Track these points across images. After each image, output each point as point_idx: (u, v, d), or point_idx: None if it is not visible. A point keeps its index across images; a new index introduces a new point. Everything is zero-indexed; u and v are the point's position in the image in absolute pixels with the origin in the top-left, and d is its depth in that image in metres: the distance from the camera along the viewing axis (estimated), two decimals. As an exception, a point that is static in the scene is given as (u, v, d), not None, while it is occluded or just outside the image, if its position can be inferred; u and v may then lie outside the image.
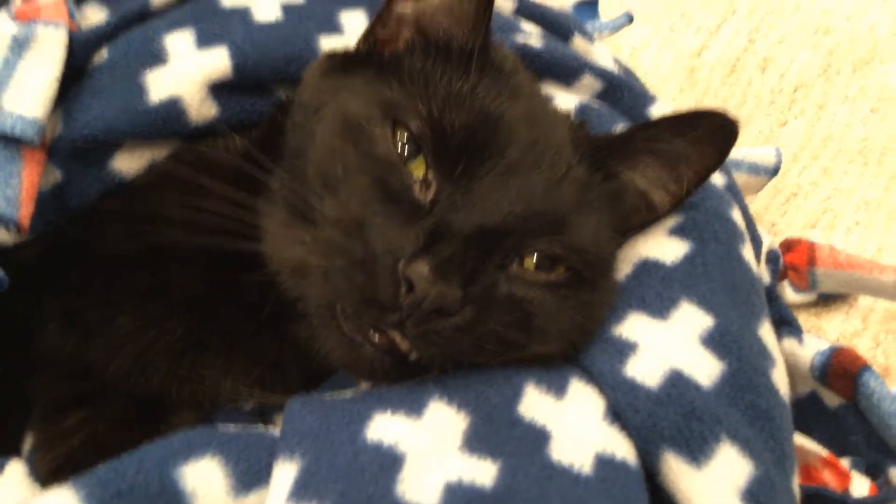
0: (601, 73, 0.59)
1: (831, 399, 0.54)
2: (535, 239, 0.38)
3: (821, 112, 0.79)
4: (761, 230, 0.62)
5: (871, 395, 0.51)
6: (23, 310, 0.51)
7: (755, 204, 0.71)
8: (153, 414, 0.52)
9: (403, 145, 0.39)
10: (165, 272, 0.50)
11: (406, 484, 0.32)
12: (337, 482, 0.31)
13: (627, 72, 0.64)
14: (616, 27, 0.73)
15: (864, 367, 0.52)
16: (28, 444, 0.51)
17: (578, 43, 0.63)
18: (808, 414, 0.54)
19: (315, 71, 0.46)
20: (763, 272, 0.58)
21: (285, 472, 0.32)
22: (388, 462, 0.32)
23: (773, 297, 0.59)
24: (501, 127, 0.40)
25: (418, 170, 0.38)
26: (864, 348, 0.62)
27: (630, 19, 0.73)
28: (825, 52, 0.84)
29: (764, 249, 0.59)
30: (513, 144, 0.39)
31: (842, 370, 0.53)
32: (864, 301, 0.65)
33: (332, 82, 0.44)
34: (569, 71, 0.58)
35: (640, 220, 0.46)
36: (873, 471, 0.50)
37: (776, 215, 0.72)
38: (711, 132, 0.44)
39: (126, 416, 0.51)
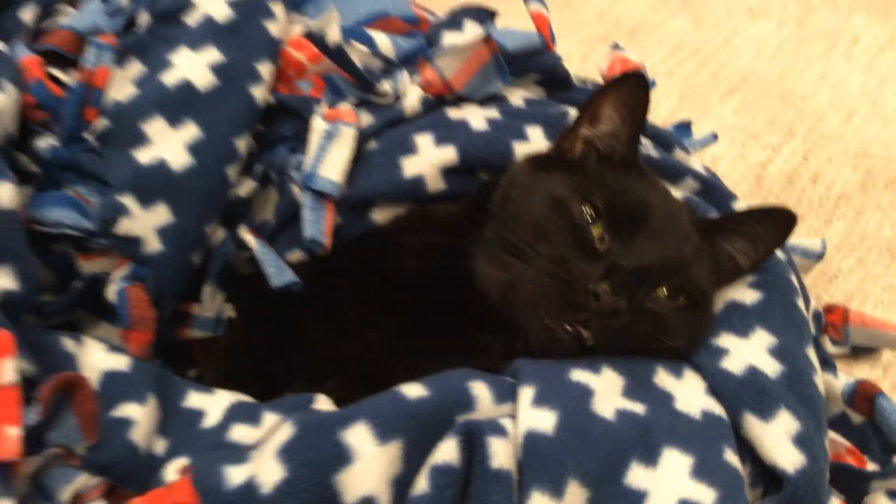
0: (697, 176, 0.76)
1: (856, 417, 0.70)
2: (668, 277, 0.58)
3: (858, 217, 0.96)
4: (814, 303, 0.80)
5: (883, 413, 0.67)
6: (297, 306, 0.66)
7: (805, 280, 0.88)
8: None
9: (590, 215, 0.59)
10: (399, 286, 0.64)
11: (597, 405, 0.50)
12: (557, 400, 0.50)
13: (714, 176, 0.83)
14: (704, 144, 0.93)
15: (880, 393, 0.68)
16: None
17: (679, 153, 0.82)
18: (838, 427, 0.69)
19: (524, 165, 0.65)
20: (809, 324, 0.76)
21: (526, 393, 0.50)
22: (586, 392, 0.50)
23: (817, 343, 0.76)
24: (647, 207, 0.59)
25: (598, 231, 0.58)
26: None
27: (715, 138, 0.93)
28: (864, 171, 1.02)
29: (811, 309, 0.76)
30: (655, 218, 0.59)
31: (863, 395, 0.69)
32: (887, 355, 0.82)
33: (538, 175, 0.62)
34: (675, 174, 0.74)
35: (729, 275, 0.63)
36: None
37: (821, 291, 0.88)
38: (779, 221, 0.63)
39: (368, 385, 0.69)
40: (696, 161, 0.80)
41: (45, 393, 0.49)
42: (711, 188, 0.75)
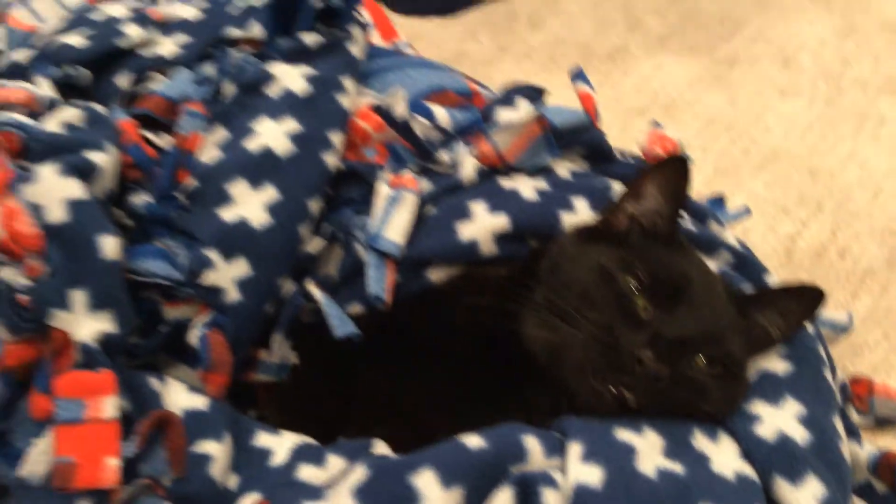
0: (731, 249, 0.79)
1: (880, 486, 0.73)
2: (706, 346, 0.62)
3: (884, 292, 1.00)
4: (841, 375, 0.83)
5: (905, 485, 0.71)
6: (355, 356, 0.70)
7: (832, 352, 0.92)
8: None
9: (635, 286, 0.64)
10: (452, 344, 0.69)
11: (640, 463, 0.54)
12: (603, 456, 0.53)
13: (747, 249, 0.88)
14: (737, 217, 0.97)
15: (904, 464, 0.72)
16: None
17: (713, 226, 0.87)
18: (863, 495, 0.71)
19: (572, 236, 0.69)
20: (836, 394, 0.80)
21: (575, 449, 0.54)
22: (629, 451, 0.54)
23: (843, 413, 0.79)
24: (688, 280, 0.64)
25: (642, 301, 0.63)
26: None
27: (748, 212, 0.98)
28: (890, 247, 1.05)
29: (837, 380, 0.80)
30: (694, 290, 0.64)
31: (887, 465, 0.72)
32: (910, 428, 0.85)
33: (586, 245, 0.67)
34: (711, 246, 0.77)
35: (762, 346, 0.67)
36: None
37: (847, 363, 0.91)
38: (809, 298, 0.67)
39: (417, 433, 0.67)
40: (730, 234, 0.85)
41: (143, 427, 0.54)
42: (745, 261, 0.79)
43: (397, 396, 0.70)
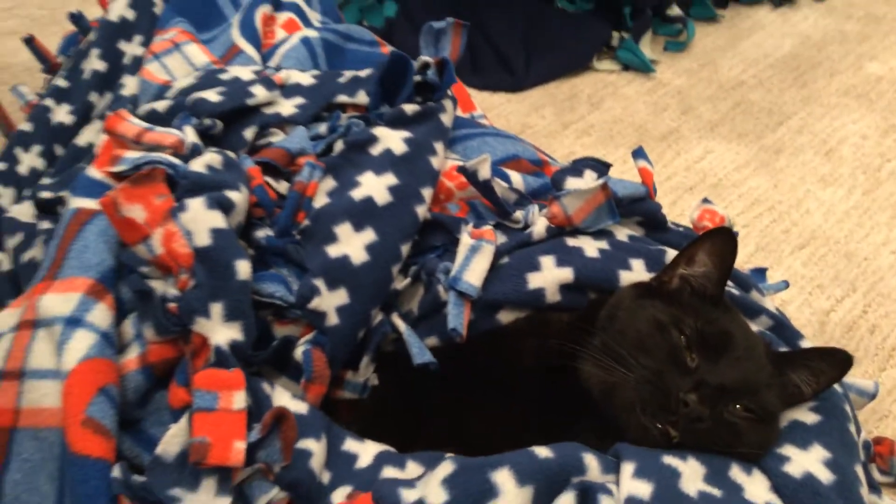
0: (771, 315, 0.86)
1: (895, 537, 0.80)
2: (745, 395, 0.69)
3: (911, 367, 1.07)
4: (864, 434, 0.90)
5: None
6: (429, 384, 0.77)
7: (858, 416, 0.98)
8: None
9: (685, 339, 0.72)
10: (515, 378, 0.78)
11: (683, 485, 0.62)
12: (653, 475, 0.61)
13: (784, 316, 0.95)
14: (777, 289, 1.05)
15: (916, 517, 0.78)
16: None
17: (755, 294, 0.95)
18: (882, 545, 0.80)
19: (630, 291, 0.77)
20: (859, 447, 0.86)
21: (627, 467, 0.62)
22: (675, 473, 0.61)
23: (865, 467, 0.86)
24: (731, 336, 0.73)
25: (688, 352, 0.72)
26: (925, 522, 0.87)
27: (787, 285, 1.06)
28: (917, 328, 1.12)
29: (861, 438, 0.87)
30: (736, 345, 0.72)
31: (904, 518, 0.79)
32: (928, 491, 0.90)
33: (643, 300, 0.74)
34: (753, 311, 0.85)
35: (794, 400, 0.73)
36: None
37: (871, 427, 0.98)
38: (839, 361, 0.74)
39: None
40: (769, 302, 0.93)
41: (267, 418, 0.64)
42: (782, 326, 0.87)
43: (464, 422, 0.77)
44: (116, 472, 0.61)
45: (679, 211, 1.27)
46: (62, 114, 1.15)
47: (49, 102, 1.16)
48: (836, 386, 0.79)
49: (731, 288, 0.89)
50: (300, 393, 0.76)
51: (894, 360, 1.05)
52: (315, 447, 0.68)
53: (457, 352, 0.78)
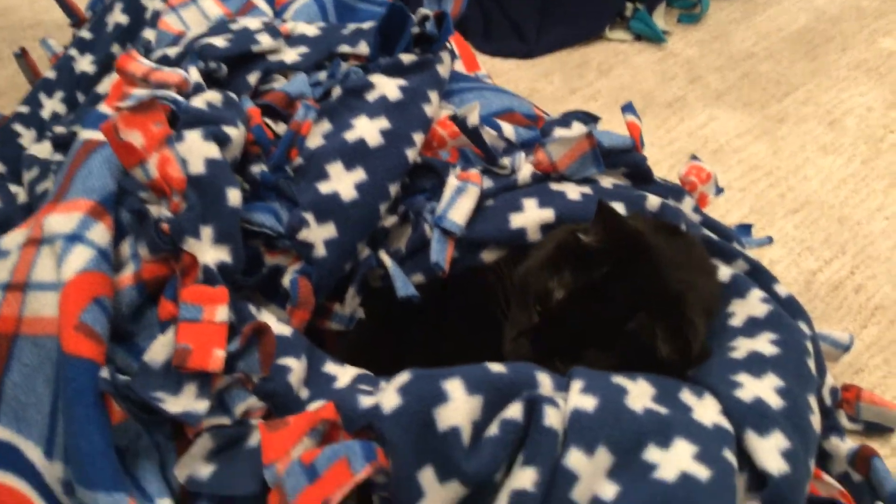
0: (747, 259, 0.87)
1: (856, 476, 0.80)
2: None
3: (891, 325, 1.05)
4: (832, 381, 0.91)
5: (876, 472, 0.77)
6: (412, 315, 0.81)
7: (833, 371, 0.99)
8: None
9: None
10: (495, 313, 0.85)
11: (629, 401, 0.64)
12: (599, 391, 0.63)
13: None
14: (760, 244, 1.06)
15: (876, 455, 0.79)
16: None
17: (736, 245, 0.97)
18: (842, 484, 0.80)
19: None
20: (827, 398, 0.87)
21: (576, 383, 0.64)
22: (622, 391, 0.64)
23: (832, 415, 0.87)
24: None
25: None
26: (889, 467, 0.88)
27: (770, 240, 1.06)
28: (903, 289, 1.12)
29: (828, 385, 0.88)
30: None
31: (863, 458, 0.79)
32: (895, 438, 0.91)
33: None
34: (729, 256, 0.87)
35: None
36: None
37: (847, 379, 0.97)
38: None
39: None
40: (748, 253, 0.94)
41: (246, 330, 0.68)
42: (758, 270, 0.87)
43: (444, 355, 0.80)
44: (104, 373, 0.64)
45: (677, 175, 1.27)
46: (85, 63, 1.19)
47: (73, 52, 1.21)
48: (803, 325, 0.80)
49: (710, 234, 0.90)
50: (286, 318, 0.79)
51: (876, 318, 1.05)
52: (295, 365, 0.71)
53: (441, 289, 0.81)
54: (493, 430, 0.61)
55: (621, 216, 0.74)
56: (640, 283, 0.67)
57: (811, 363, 0.75)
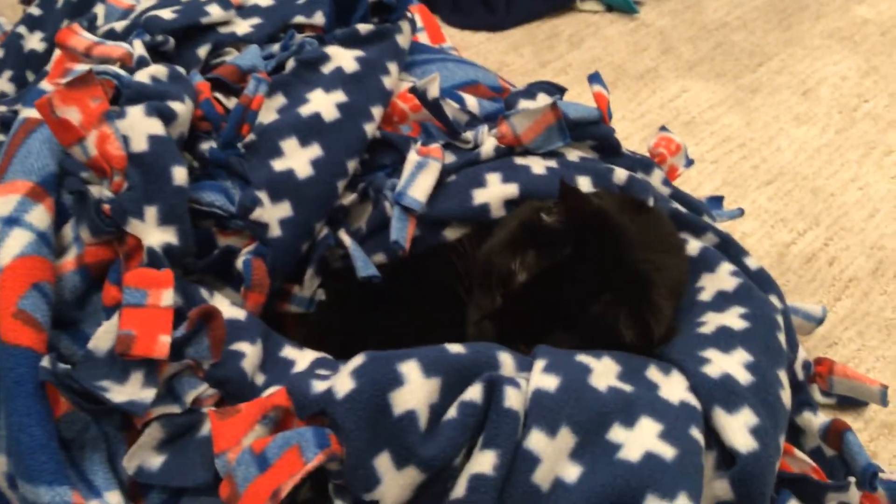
0: (717, 233, 0.85)
1: (828, 451, 0.79)
2: None
3: (864, 297, 1.04)
4: (805, 354, 0.90)
5: (849, 445, 0.76)
6: (373, 296, 0.78)
7: (806, 344, 0.98)
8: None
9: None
10: (457, 293, 0.83)
11: (593, 380, 0.62)
12: (562, 370, 0.61)
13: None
14: (731, 216, 1.04)
15: (848, 430, 0.78)
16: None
17: (706, 218, 0.95)
18: (813, 457, 0.79)
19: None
20: (799, 372, 0.86)
21: (539, 363, 0.62)
22: (586, 369, 0.62)
23: (804, 390, 0.86)
24: None
25: None
26: (862, 441, 0.87)
27: (741, 212, 1.05)
28: (877, 260, 1.10)
29: (800, 359, 0.86)
30: None
31: (835, 432, 0.78)
32: (870, 411, 0.90)
33: None
34: (699, 230, 0.84)
35: None
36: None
37: (821, 352, 0.97)
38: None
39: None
40: (718, 226, 0.92)
41: (193, 314, 0.65)
42: (727, 243, 0.86)
43: (405, 337, 0.79)
44: (45, 362, 0.61)
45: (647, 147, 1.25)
46: (34, 41, 1.15)
47: (22, 30, 1.16)
48: (774, 299, 0.78)
49: (679, 207, 0.88)
50: (240, 301, 0.76)
51: (850, 290, 1.04)
52: (249, 350, 0.69)
53: (403, 268, 0.79)
54: (451, 413, 0.59)
55: (585, 195, 0.71)
56: (604, 264, 0.65)
57: (781, 337, 0.73)
